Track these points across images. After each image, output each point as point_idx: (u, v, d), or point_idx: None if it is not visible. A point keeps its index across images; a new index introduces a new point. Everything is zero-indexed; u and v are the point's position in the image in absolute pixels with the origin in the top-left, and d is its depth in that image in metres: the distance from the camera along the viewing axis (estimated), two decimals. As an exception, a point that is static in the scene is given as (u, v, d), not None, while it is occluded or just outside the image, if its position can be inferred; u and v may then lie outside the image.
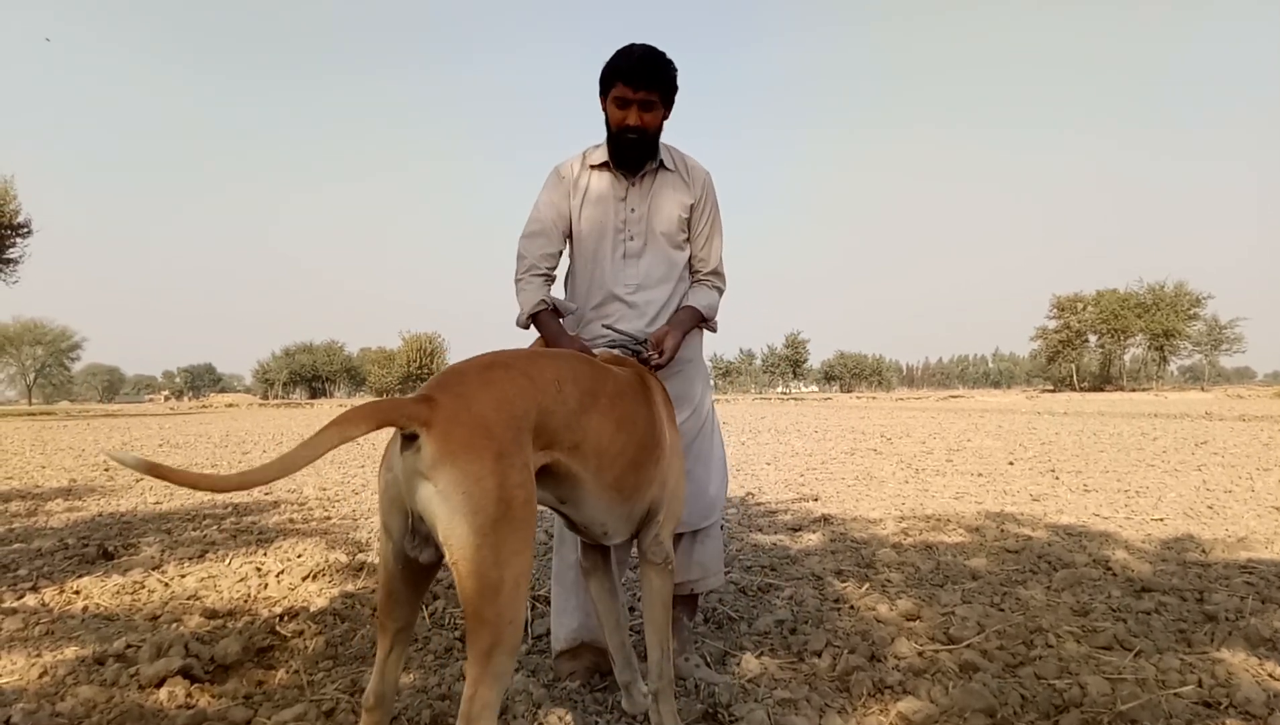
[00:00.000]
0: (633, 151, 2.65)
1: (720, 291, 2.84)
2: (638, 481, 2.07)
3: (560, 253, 2.77)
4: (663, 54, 2.58)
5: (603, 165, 2.75)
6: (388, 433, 1.61)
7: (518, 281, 2.67)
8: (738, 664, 2.79)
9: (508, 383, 1.75)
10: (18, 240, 39.56)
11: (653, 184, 2.75)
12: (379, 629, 1.77)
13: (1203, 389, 63.00)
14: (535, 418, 1.75)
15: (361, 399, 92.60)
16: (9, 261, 39.54)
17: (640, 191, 2.74)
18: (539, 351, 2.08)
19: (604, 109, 2.66)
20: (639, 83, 2.54)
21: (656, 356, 2.47)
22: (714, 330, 2.89)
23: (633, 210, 2.73)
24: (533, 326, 2.62)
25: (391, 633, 1.75)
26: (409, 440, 1.56)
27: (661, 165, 2.75)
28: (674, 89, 2.64)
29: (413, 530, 1.63)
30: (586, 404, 1.92)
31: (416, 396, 1.62)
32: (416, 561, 1.68)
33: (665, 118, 2.68)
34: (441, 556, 1.60)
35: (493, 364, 1.81)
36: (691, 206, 2.77)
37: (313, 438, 1.46)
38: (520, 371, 1.80)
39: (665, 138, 2.78)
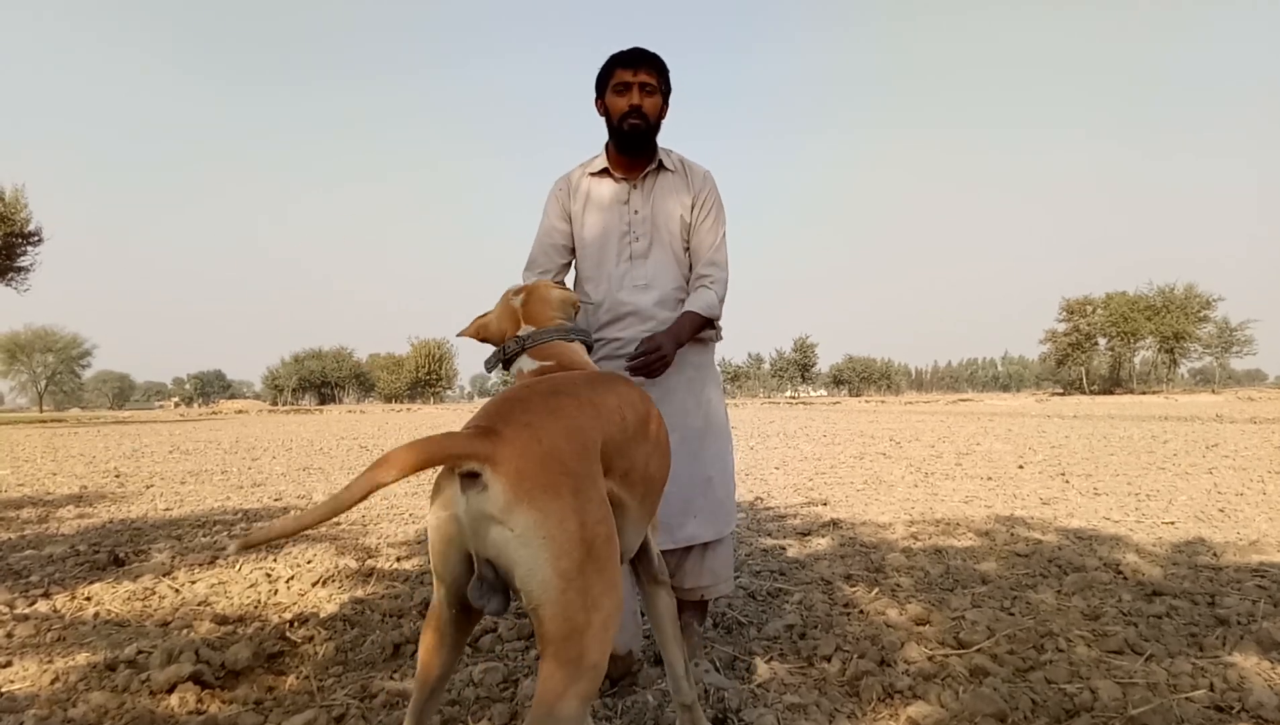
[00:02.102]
0: (637, 140, 2.68)
1: (719, 289, 2.77)
2: (658, 504, 2.03)
3: (555, 268, 2.85)
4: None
5: (603, 172, 2.79)
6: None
7: None
8: (747, 669, 2.79)
9: (576, 411, 1.64)
10: (28, 248, 39.76)
11: (654, 185, 2.78)
12: (419, 675, 1.64)
13: (1213, 391, 62.61)
14: (603, 448, 1.66)
15: (370, 405, 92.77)
16: (20, 270, 39.74)
17: (642, 193, 2.76)
18: (593, 375, 1.95)
19: (602, 111, 2.72)
20: (637, 64, 2.63)
21: (651, 364, 2.47)
22: (718, 334, 2.86)
23: (636, 212, 2.75)
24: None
25: (434, 681, 1.64)
26: (469, 478, 1.44)
27: (661, 166, 2.78)
28: (668, 81, 2.71)
29: (479, 577, 1.49)
30: (639, 431, 1.85)
31: (475, 429, 1.50)
32: (473, 608, 1.55)
33: (663, 114, 2.71)
34: (508, 603, 1.51)
35: (557, 391, 1.69)
36: (691, 205, 2.79)
37: (353, 483, 1.35)
38: (586, 399, 1.70)
39: (669, 142, 2.80)
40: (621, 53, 2.65)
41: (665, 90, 2.70)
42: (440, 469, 1.52)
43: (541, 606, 1.42)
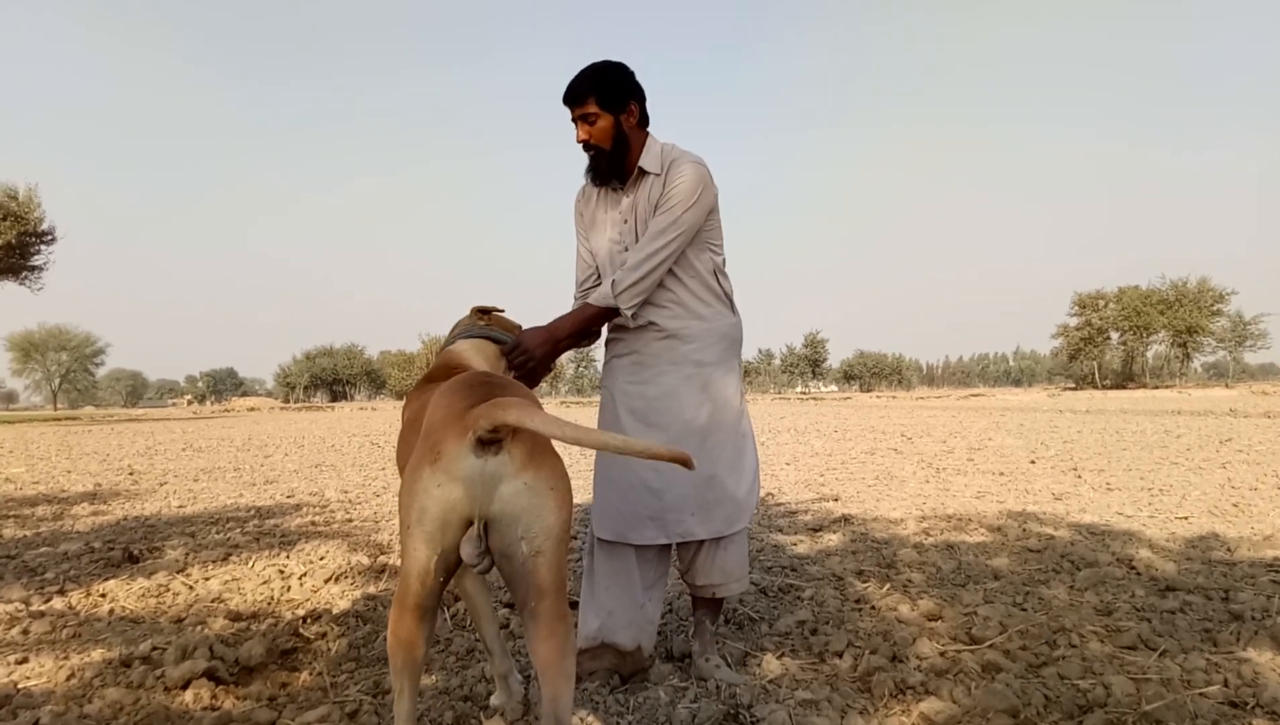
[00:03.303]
0: (595, 165, 2.72)
1: (623, 275, 2.62)
2: None
3: (593, 279, 2.90)
4: (595, 64, 2.65)
5: (596, 181, 2.83)
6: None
7: None
8: (759, 665, 2.79)
9: (524, 391, 1.91)
10: (42, 247, 39.98)
11: (638, 190, 2.74)
12: (405, 662, 1.75)
13: (1227, 386, 62.18)
14: None
15: (381, 402, 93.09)
16: (34, 268, 39.97)
17: (629, 201, 2.75)
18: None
19: None
20: (572, 100, 2.65)
21: (519, 357, 2.52)
22: (630, 320, 2.69)
23: (624, 220, 2.75)
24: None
25: (419, 658, 1.76)
26: (486, 445, 1.61)
27: (643, 171, 2.72)
28: (615, 90, 2.64)
29: (476, 536, 1.64)
30: None
31: (492, 402, 1.64)
32: (451, 572, 1.71)
33: (624, 125, 2.67)
34: (494, 564, 1.68)
35: (491, 376, 1.96)
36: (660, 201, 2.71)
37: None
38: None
39: (679, 141, 2.78)
40: (565, 91, 2.65)
41: (615, 105, 2.64)
42: (424, 447, 1.70)
43: (542, 553, 1.66)
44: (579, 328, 2.64)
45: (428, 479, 1.65)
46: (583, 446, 1.56)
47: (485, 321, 2.56)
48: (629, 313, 2.64)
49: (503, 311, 2.65)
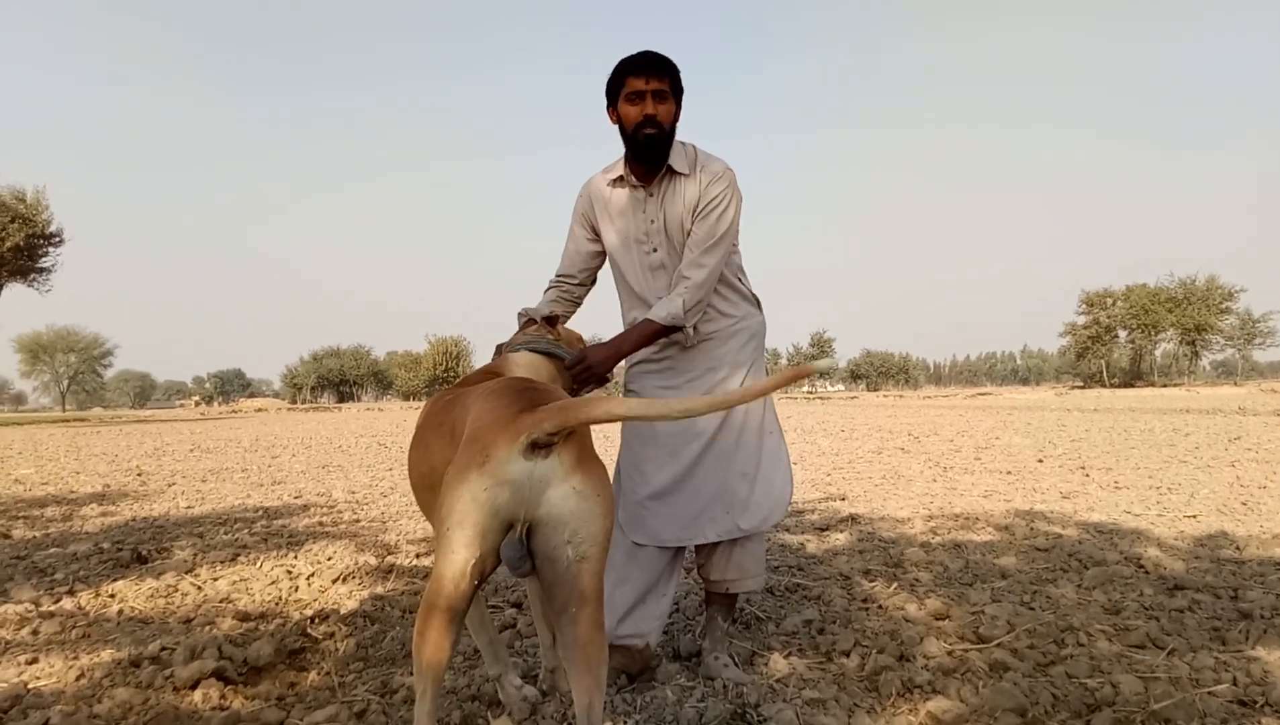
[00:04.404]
0: (652, 149, 2.61)
1: (690, 295, 2.60)
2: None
3: (578, 272, 2.89)
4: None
5: (620, 179, 2.74)
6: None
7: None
8: (766, 664, 2.79)
9: (565, 396, 1.94)
10: (50, 249, 40.23)
11: (665, 190, 2.69)
12: (430, 664, 1.70)
13: (1236, 384, 62.01)
14: None
15: (388, 402, 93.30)
16: (42, 270, 40.23)
17: (655, 201, 2.70)
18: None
19: (615, 119, 2.66)
20: (649, 71, 2.56)
21: (584, 373, 2.54)
22: (689, 338, 2.70)
23: (652, 221, 2.70)
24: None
25: (444, 660, 1.72)
26: (536, 448, 1.62)
27: (672, 170, 2.68)
28: (680, 83, 2.64)
29: (519, 540, 1.65)
30: None
31: (542, 408, 1.67)
32: (486, 576, 1.71)
33: (677, 118, 2.65)
34: (534, 567, 1.69)
35: (533, 385, 1.96)
36: (695, 204, 2.67)
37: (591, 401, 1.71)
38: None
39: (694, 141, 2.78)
40: (632, 59, 2.58)
41: (678, 94, 2.63)
42: (470, 450, 1.69)
43: (587, 559, 1.67)
44: (643, 344, 2.64)
45: (475, 482, 1.63)
46: (666, 419, 1.62)
47: (553, 335, 2.56)
48: (691, 328, 2.66)
49: (560, 319, 2.68)
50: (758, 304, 2.88)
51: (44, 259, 40.11)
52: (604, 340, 2.66)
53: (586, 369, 2.53)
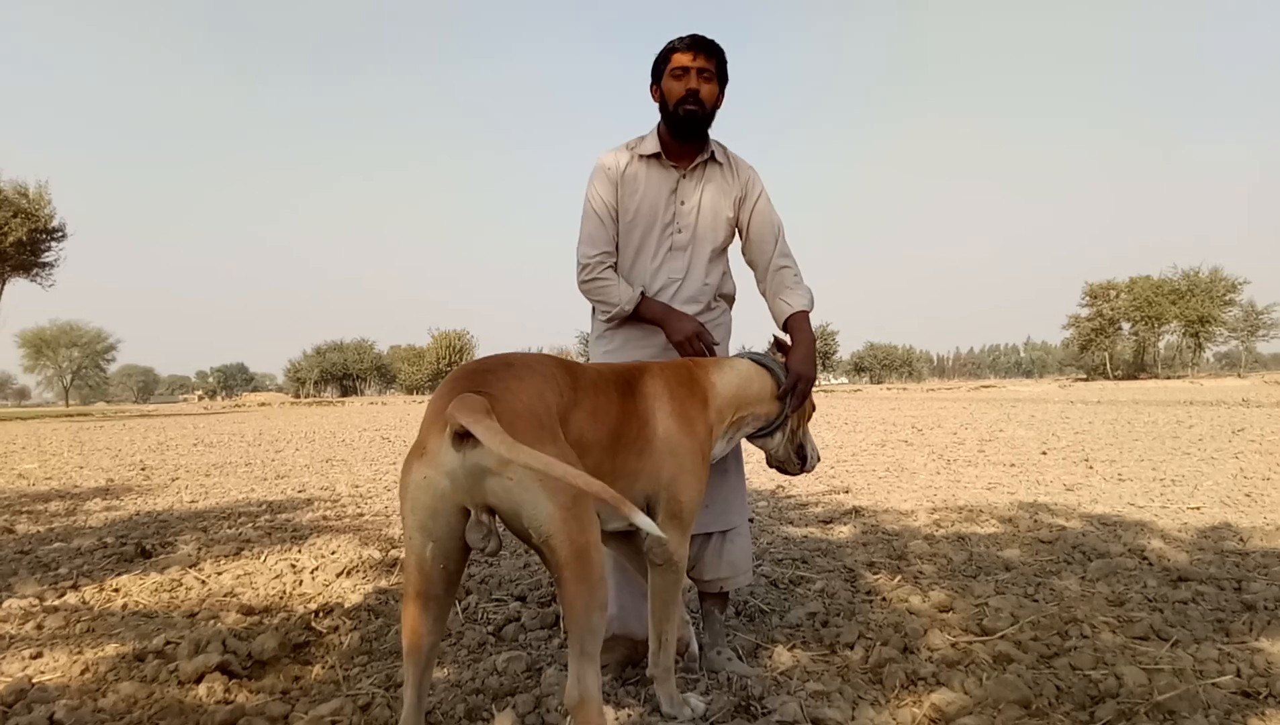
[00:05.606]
0: (693, 126, 2.66)
1: (803, 279, 2.79)
2: (614, 468, 2.13)
3: (615, 250, 2.80)
4: None
5: (654, 156, 2.75)
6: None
7: (591, 282, 2.73)
8: (770, 657, 2.79)
9: (535, 378, 1.90)
10: (53, 244, 40.24)
11: (704, 176, 2.75)
12: (410, 649, 1.81)
13: (1239, 376, 61.92)
14: (555, 409, 1.89)
15: (392, 396, 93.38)
16: (45, 265, 40.25)
17: (691, 184, 2.74)
18: (526, 354, 2.12)
19: (658, 97, 2.71)
20: (696, 50, 2.63)
21: (802, 395, 2.59)
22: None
23: (683, 203, 2.73)
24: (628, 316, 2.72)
25: (427, 653, 1.82)
26: (461, 438, 1.62)
27: (713, 157, 2.75)
28: (726, 70, 2.71)
29: (477, 522, 1.68)
30: (571, 398, 2.03)
31: (463, 396, 1.67)
32: (457, 561, 1.77)
33: (719, 103, 2.70)
34: (501, 544, 1.72)
35: (512, 362, 1.94)
36: (739, 201, 2.77)
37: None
38: (535, 369, 1.95)
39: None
40: (680, 38, 2.65)
41: (723, 79, 2.69)
42: (416, 440, 1.76)
43: (552, 536, 1.68)
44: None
45: (416, 471, 1.72)
46: (522, 465, 1.56)
47: (781, 358, 2.63)
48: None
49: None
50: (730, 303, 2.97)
51: (47, 254, 40.14)
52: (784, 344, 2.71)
53: (809, 383, 2.59)
